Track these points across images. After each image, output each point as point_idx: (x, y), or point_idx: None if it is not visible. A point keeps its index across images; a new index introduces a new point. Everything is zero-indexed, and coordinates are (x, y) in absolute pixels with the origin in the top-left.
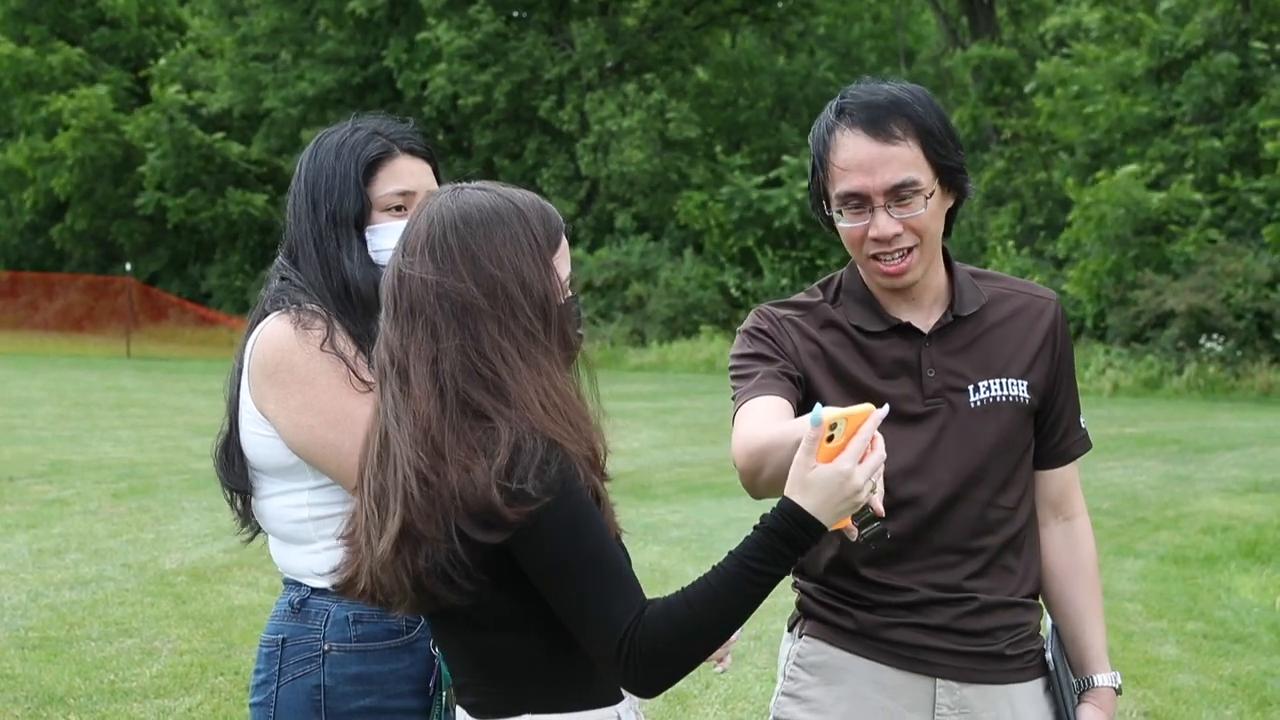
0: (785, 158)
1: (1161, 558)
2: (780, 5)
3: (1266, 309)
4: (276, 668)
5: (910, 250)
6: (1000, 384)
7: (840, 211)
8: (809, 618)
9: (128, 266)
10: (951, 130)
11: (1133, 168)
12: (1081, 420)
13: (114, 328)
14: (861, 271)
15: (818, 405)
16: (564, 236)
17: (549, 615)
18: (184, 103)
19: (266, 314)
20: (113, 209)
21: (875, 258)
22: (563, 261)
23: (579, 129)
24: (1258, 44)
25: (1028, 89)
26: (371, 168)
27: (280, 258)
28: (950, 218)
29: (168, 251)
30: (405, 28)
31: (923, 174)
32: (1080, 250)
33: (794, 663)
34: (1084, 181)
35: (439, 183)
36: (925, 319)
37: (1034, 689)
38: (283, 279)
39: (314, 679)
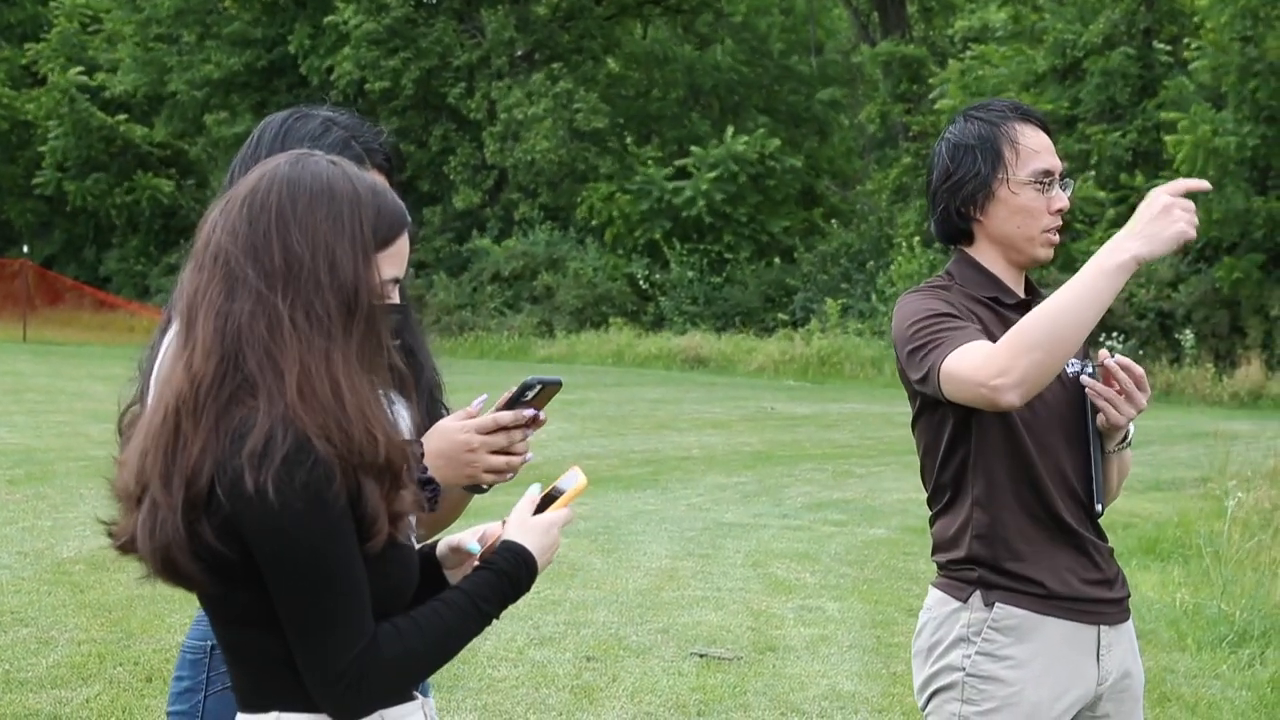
0: (694, 149)
1: None
2: None
3: (1168, 309)
4: (204, 676)
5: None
6: (1076, 363)
7: (1033, 185)
8: (993, 589)
9: (24, 249)
10: None
11: None
12: None
13: (9, 311)
14: (992, 253)
15: (575, 470)
16: (405, 240)
17: None
18: (85, 84)
19: None
20: (6, 187)
21: (1047, 231)
22: (391, 262)
23: (487, 117)
24: (1160, 45)
25: (932, 95)
26: None
27: None
28: None
29: (63, 234)
30: (312, 11)
31: None
32: None
33: (989, 626)
34: None
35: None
36: (1027, 296)
37: (1131, 626)
38: None
39: None
